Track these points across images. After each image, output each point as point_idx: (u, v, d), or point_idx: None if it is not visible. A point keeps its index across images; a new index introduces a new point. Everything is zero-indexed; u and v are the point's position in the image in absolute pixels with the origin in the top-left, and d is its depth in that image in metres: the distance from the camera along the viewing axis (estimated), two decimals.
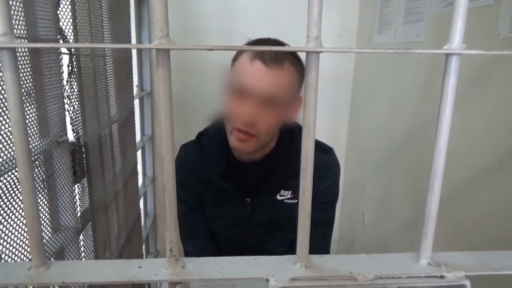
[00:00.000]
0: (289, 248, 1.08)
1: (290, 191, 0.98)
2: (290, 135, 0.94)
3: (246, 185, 0.97)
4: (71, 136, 0.80)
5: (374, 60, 1.72)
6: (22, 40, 0.60)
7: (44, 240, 0.64)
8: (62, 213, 0.76)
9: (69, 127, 0.79)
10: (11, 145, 0.57)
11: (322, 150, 0.99)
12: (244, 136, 0.85)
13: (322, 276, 0.34)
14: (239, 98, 0.82)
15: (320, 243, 1.05)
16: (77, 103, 0.82)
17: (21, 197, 0.58)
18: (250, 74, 0.81)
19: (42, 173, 0.68)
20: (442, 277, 0.34)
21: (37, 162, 0.66)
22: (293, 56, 0.84)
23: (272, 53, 0.80)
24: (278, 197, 0.98)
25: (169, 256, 0.34)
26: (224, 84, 0.90)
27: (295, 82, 0.83)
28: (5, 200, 0.56)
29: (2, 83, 0.54)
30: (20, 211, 0.60)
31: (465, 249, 1.05)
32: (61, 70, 0.74)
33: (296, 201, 0.97)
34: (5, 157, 0.56)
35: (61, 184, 0.74)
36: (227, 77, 0.90)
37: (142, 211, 1.74)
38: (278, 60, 0.80)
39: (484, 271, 0.35)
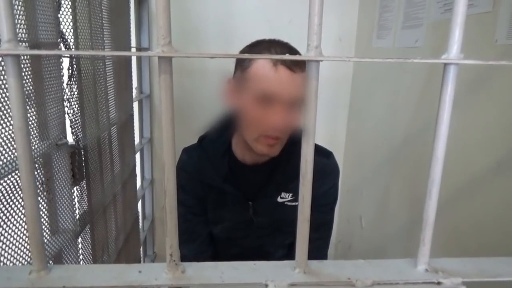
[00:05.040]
0: (288, 251, 1.08)
1: (291, 193, 0.99)
2: (292, 138, 0.94)
3: (248, 188, 0.98)
4: (70, 139, 0.80)
5: (372, 64, 1.73)
6: (23, 44, 0.60)
7: None
8: (61, 215, 0.76)
9: (68, 130, 0.79)
10: (10, 147, 0.57)
11: (322, 154, 1.00)
12: (273, 141, 0.86)
13: (321, 282, 0.34)
14: (265, 105, 0.81)
15: (320, 246, 1.05)
16: (76, 106, 0.82)
17: (20, 200, 0.59)
18: (276, 81, 0.80)
19: (42, 176, 0.68)
20: (439, 283, 0.34)
21: (36, 165, 0.66)
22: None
23: (290, 53, 0.80)
24: (279, 199, 0.99)
25: (169, 260, 0.34)
26: (226, 92, 0.89)
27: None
28: (5, 203, 0.57)
29: (3, 86, 0.55)
30: (20, 214, 0.60)
31: (462, 254, 1.05)
32: (61, 73, 0.74)
33: (297, 203, 0.98)
34: (4, 160, 0.56)
35: (60, 187, 0.75)
36: (229, 85, 0.90)
37: (140, 214, 1.73)
38: (299, 62, 0.80)
39: (481, 278, 0.35)
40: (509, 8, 0.90)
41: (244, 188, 0.98)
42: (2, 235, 0.56)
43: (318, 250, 1.04)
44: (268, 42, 0.85)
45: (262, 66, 0.81)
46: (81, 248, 0.86)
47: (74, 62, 0.80)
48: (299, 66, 0.80)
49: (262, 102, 0.82)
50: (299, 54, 0.86)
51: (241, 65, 0.86)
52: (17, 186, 0.59)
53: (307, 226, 0.35)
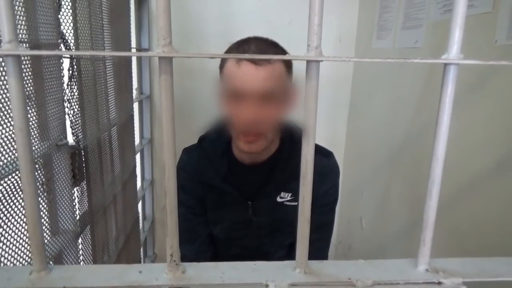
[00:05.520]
0: (288, 251, 1.08)
1: (290, 193, 0.99)
2: (291, 137, 0.94)
3: (247, 188, 0.98)
4: (71, 140, 0.80)
5: (372, 64, 1.73)
6: (24, 45, 0.60)
7: None
8: (61, 216, 0.76)
9: (69, 131, 0.79)
10: (11, 148, 0.57)
11: (322, 154, 1.00)
12: (252, 137, 0.86)
13: (321, 282, 0.34)
14: (236, 102, 0.83)
15: (320, 246, 1.05)
16: (77, 106, 0.82)
17: (21, 201, 0.59)
18: (240, 76, 0.81)
19: (42, 177, 0.68)
20: (439, 283, 0.35)
21: (36, 166, 0.66)
22: (276, 48, 0.85)
23: (257, 51, 0.81)
24: (278, 199, 0.99)
25: (170, 261, 0.34)
26: (217, 92, 0.90)
27: (283, 72, 0.84)
28: (5, 204, 0.57)
29: (3, 87, 0.55)
30: (20, 214, 0.60)
31: (462, 254, 1.05)
32: (62, 74, 0.74)
33: (296, 203, 0.98)
34: (5, 160, 0.56)
35: (60, 188, 0.75)
36: (218, 86, 0.90)
37: (140, 214, 1.73)
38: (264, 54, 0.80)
39: (482, 278, 0.35)
40: (509, 8, 0.91)
41: (243, 188, 0.98)
42: (2, 235, 0.56)
43: (318, 251, 1.04)
44: (244, 40, 0.86)
45: (229, 65, 0.83)
46: (82, 249, 0.86)
47: (74, 63, 0.80)
48: (265, 60, 0.81)
49: (233, 100, 0.83)
50: (280, 47, 0.86)
51: (219, 67, 0.88)
52: (17, 187, 0.59)
53: (308, 226, 0.35)
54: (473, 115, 1.03)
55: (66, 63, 0.78)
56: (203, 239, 1.06)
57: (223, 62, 0.86)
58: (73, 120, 0.81)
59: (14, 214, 0.59)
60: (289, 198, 0.99)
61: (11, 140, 0.57)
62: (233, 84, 0.82)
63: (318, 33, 0.30)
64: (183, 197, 1.00)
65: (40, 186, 0.68)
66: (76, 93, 0.81)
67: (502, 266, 0.37)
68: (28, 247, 0.62)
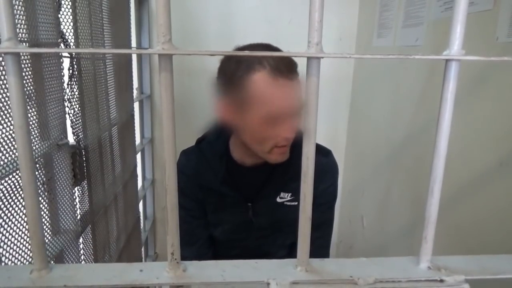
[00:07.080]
0: (289, 251, 1.08)
1: (290, 193, 0.99)
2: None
3: (247, 189, 0.98)
4: (71, 139, 0.80)
5: (373, 63, 1.73)
6: (24, 44, 0.60)
7: None
8: (62, 216, 0.76)
9: (69, 130, 0.79)
10: (11, 148, 0.57)
11: (321, 153, 0.99)
12: (286, 148, 0.87)
13: (323, 280, 0.34)
14: (274, 122, 0.80)
15: (321, 244, 1.05)
16: (77, 106, 0.82)
17: (21, 200, 0.59)
18: (281, 99, 0.79)
19: (43, 176, 0.68)
20: (441, 281, 0.34)
21: (37, 165, 0.66)
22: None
23: (283, 61, 0.78)
24: (278, 200, 0.99)
25: (171, 259, 0.34)
26: (220, 110, 0.86)
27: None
28: (6, 203, 0.57)
29: (3, 86, 0.55)
30: (21, 214, 0.60)
31: (464, 252, 1.05)
32: (62, 74, 0.74)
33: (296, 203, 0.97)
34: (6, 160, 0.56)
35: (61, 187, 0.75)
36: (222, 103, 0.86)
37: (141, 214, 1.73)
38: (292, 66, 0.79)
39: (484, 275, 0.35)
40: (510, 6, 0.90)
41: (242, 189, 0.98)
42: (3, 235, 0.56)
43: (319, 249, 1.04)
44: (251, 46, 0.81)
45: (260, 82, 0.77)
46: (83, 248, 0.86)
47: (74, 62, 0.80)
48: (293, 70, 0.78)
49: (271, 121, 0.80)
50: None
51: (233, 82, 0.81)
52: (18, 187, 0.59)
53: (309, 224, 0.35)
54: (475, 113, 1.02)
55: (66, 62, 0.77)
56: (203, 242, 1.06)
57: (240, 72, 0.79)
58: (74, 120, 0.81)
59: (15, 214, 0.59)
60: (289, 198, 0.99)
61: (12, 139, 0.57)
62: (275, 109, 0.79)
63: (319, 29, 0.30)
64: (182, 200, 0.99)
65: (41, 186, 0.68)
66: (76, 93, 0.81)
67: (504, 264, 0.37)
68: (29, 246, 0.62)
